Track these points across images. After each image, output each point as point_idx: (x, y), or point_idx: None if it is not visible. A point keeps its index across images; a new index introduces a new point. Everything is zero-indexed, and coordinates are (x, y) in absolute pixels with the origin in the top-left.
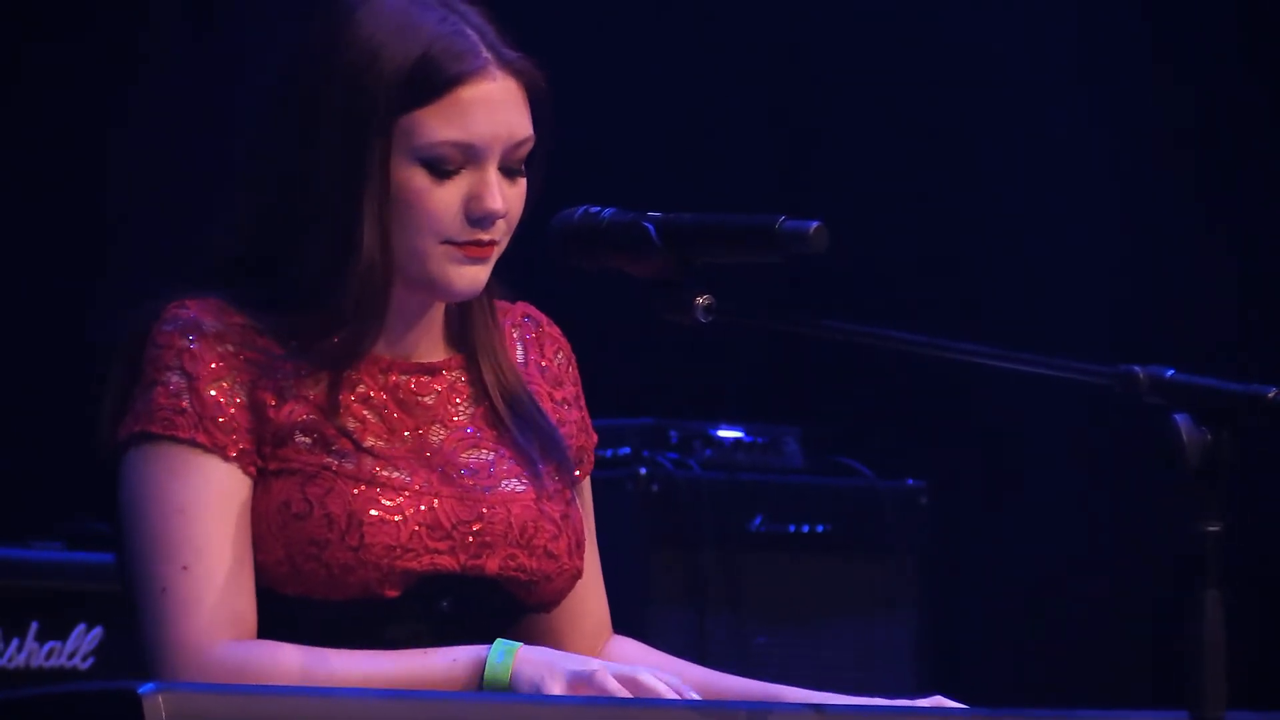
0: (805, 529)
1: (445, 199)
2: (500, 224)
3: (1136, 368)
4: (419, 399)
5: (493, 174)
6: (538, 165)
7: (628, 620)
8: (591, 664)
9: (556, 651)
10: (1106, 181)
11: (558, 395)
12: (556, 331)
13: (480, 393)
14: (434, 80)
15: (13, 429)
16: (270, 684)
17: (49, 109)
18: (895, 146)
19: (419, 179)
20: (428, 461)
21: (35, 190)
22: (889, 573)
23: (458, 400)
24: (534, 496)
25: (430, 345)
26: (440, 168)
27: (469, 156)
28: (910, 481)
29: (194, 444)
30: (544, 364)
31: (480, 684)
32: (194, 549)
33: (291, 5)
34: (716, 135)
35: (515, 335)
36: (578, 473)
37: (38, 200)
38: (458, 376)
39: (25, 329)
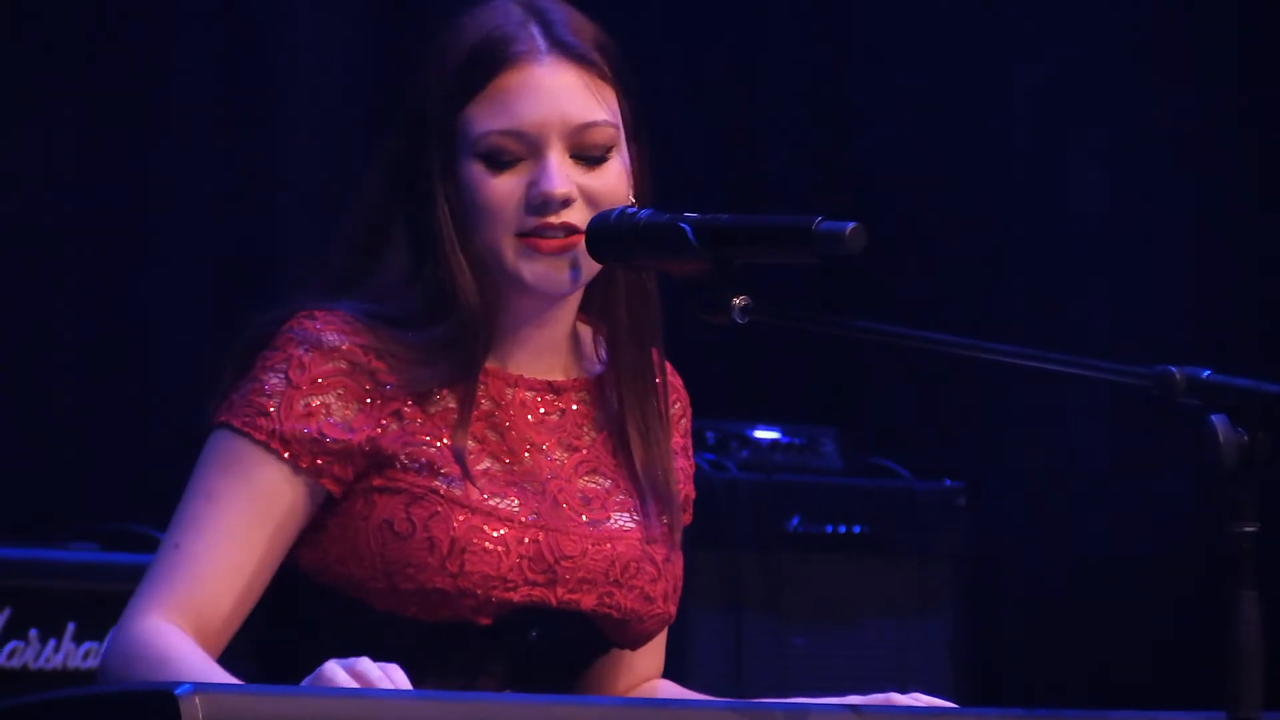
0: (842, 530)
1: (504, 189)
2: (575, 210)
3: (1173, 368)
4: (545, 417)
5: (553, 159)
6: (641, 156)
7: None
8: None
9: None
10: (1149, 183)
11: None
12: (678, 381)
13: (605, 418)
14: (478, 72)
15: (49, 431)
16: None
17: (94, 108)
18: (933, 148)
19: (478, 174)
20: (543, 488)
21: (84, 199)
22: (926, 574)
23: (583, 424)
24: (640, 536)
25: (555, 363)
26: (497, 159)
27: (526, 145)
28: (947, 482)
29: (266, 449)
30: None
31: None
32: (196, 532)
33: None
34: (754, 135)
35: None
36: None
37: (89, 207)
38: (584, 398)
39: (63, 332)
